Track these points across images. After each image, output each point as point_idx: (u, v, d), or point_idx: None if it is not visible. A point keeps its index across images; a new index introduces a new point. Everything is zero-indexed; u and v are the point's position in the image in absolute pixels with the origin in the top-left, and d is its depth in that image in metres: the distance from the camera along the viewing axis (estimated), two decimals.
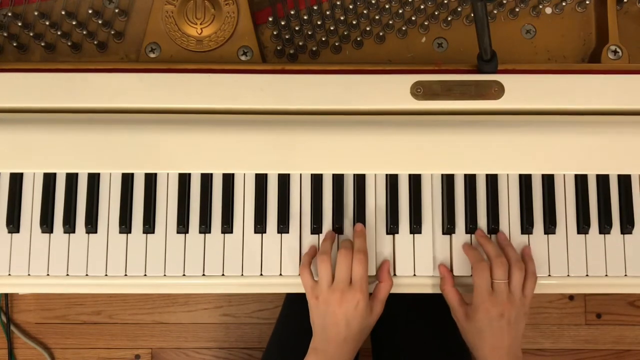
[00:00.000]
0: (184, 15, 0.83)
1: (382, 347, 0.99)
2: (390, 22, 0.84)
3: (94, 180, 0.81)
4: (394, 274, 0.80)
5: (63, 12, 0.82)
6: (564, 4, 0.85)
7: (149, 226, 0.81)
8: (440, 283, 0.80)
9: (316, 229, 0.81)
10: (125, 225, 0.80)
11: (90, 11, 0.83)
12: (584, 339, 1.50)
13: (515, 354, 0.75)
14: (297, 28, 0.83)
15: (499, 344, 0.74)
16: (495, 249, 0.77)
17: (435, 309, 0.98)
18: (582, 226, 0.81)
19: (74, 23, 0.83)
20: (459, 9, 0.84)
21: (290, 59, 0.85)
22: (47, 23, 0.83)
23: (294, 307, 1.04)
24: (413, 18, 0.84)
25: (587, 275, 0.80)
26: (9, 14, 0.82)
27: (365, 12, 0.83)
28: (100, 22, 0.83)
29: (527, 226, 0.81)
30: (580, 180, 0.81)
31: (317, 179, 0.82)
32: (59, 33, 0.83)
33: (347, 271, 0.75)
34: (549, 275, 0.80)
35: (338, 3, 0.83)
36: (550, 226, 0.80)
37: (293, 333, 0.98)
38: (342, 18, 0.83)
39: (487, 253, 0.78)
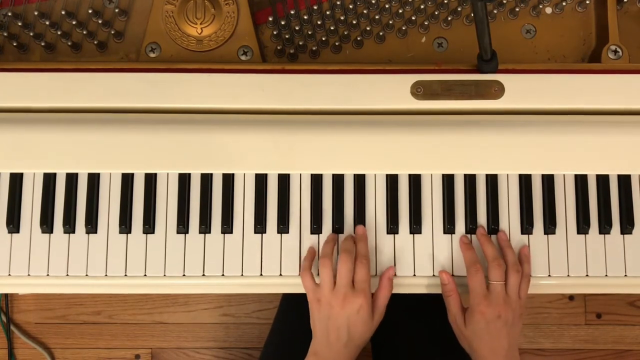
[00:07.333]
0: (184, 15, 0.83)
1: (382, 348, 0.99)
2: (390, 22, 0.84)
3: (94, 180, 0.81)
4: (394, 275, 0.80)
5: (63, 12, 0.82)
6: (564, 4, 0.85)
7: (149, 226, 0.80)
8: (442, 289, 0.79)
9: (316, 229, 0.81)
10: (125, 225, 0.80)
11: (90, 11, 0.83)
12: (584, 339, 1.50)
13: (513, 356, 0.75)
14: (297, 28, 0.83)
15: (497, 346, 0.74)
16: (494, 251, 0.77)
17: (435, 310, 0.97)
18: (582, 226, 0.81)
19: (74, 23, 0.83)
20: (459, 9, 0.84)
21: (290, 58, 0.85)
22: (47, 23, 0.83)
23: (291, 306, 1.04)
24: (413, 18, 0.83)
25: (587, 275, 0.80)
26: (9, 14, 0.82)
27: (365, 12, 0.83)
28: (100, 22, 0.83)
29: (527, 226, 0.81)
30: (580, 180, 0.81)
31: (317, 179, 0.82)
32: (59, 33, 0.82)
33: (349, 275, 0.75)
34: (549, 276, 0.80)
35: (338, 3, 0.83)
36: (550, 226, 0.80)
37: (290, 332, 0.98)
38: (342, 18, 0.83)
39: (485, 254, 0.77)
